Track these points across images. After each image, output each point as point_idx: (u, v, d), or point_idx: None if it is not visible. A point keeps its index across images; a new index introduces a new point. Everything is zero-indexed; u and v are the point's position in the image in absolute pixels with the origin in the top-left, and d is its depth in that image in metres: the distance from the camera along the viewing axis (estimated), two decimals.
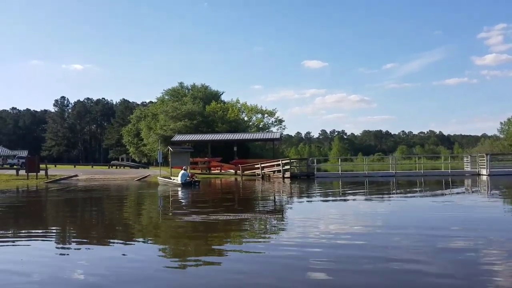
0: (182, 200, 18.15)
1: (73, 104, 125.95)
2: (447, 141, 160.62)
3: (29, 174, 32.23)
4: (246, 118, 61.13)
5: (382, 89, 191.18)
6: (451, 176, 30.89)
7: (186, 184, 24.22)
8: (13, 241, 9.04)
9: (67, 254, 7.65)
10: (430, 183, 25.45)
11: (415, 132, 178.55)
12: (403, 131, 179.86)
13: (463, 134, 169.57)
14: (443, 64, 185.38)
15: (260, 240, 8.51)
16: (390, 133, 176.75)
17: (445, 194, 18.78)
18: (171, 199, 18.55)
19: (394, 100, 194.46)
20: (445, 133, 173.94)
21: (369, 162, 47.55)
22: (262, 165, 34.64)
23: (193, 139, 43.92)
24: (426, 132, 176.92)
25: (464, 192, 19.74)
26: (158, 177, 30.07)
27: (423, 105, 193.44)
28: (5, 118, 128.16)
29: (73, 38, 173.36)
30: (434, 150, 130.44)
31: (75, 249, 7.97)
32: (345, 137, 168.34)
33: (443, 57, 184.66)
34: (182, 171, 25.44)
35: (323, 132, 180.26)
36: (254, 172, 35.27)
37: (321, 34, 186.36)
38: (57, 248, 8.18)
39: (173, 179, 26.81)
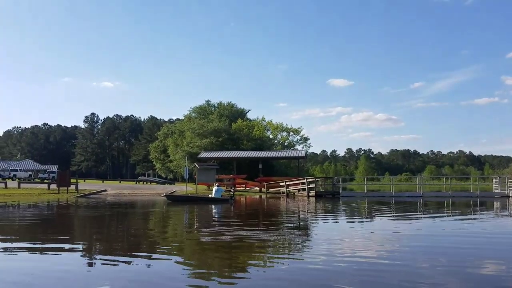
0: (214, 216, 18.30)
1: (102, 121, 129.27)
2: (477, 162, 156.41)
3: (60, 188, 32.94)
4: (271, 136, 61.37)
5: (409, 108, 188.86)
6: (480, 198, 30.13)
7: (222, 200, 24.79)
8: (41, 253, 9.24)
9: (94, 265, 7.87)
10: (458, 205, 24.92)
11: (444, 152, 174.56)
12: (431, 150, 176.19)
13: (494, 154, 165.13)
14: (472, 84, 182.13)
15: (284, 257, 8.54)
16: (418, 152, 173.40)
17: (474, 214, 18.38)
18: (203, 215, 18.72)
19: (421, 119, 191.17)
20: (475, 153, 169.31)
21: (396, 182, 46.80)
22: (287, 183, 34.62)
23: (218, 156, 44.24)
24: (455, 152, 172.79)
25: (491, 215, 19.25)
26: (162, 195, 28.73)
27: (451, 124, 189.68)
28: (37, 134, 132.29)
29: (104, 56, 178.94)
30: (464, 171, 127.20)
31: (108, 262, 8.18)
32: (372, 156, 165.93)
33: (472, 77, 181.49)
34: (217, 187, 26.02)
35: (349, 150, 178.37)
36: (279, 190, 35.22)
37: (346, 53, 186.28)
38: (83, 260, 8.43)
39: (204, 195, 27.11)
